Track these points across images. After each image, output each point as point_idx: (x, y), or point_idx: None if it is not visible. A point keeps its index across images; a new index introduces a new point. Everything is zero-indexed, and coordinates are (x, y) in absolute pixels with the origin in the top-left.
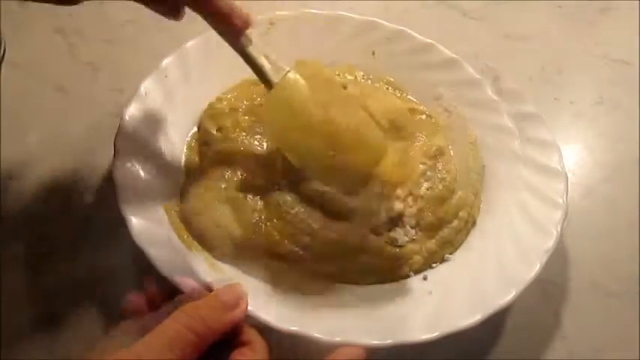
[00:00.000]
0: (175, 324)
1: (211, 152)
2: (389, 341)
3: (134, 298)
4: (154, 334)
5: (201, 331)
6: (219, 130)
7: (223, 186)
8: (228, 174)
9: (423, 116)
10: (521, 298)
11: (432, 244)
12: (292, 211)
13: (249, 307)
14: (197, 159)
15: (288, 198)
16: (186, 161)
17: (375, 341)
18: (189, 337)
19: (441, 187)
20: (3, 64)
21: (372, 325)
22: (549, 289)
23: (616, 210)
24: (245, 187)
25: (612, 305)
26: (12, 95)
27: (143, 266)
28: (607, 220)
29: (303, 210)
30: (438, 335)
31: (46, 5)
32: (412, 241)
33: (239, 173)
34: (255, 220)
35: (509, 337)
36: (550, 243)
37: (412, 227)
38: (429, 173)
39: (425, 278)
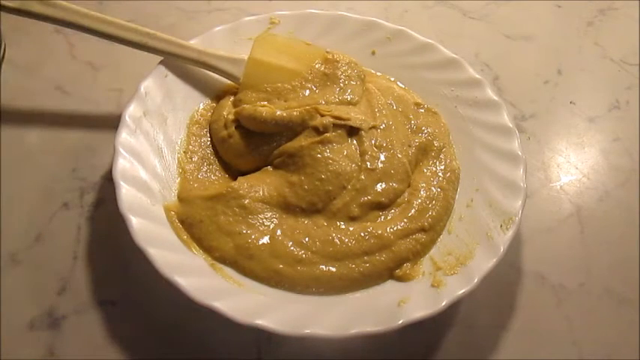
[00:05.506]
0: None
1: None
2: (400, 322)
3: None
4: None
5: None
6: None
7: (221, 187)
8: (222, 174)
9: (429, 113)
10: (532, 301)
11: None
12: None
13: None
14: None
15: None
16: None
17: (384, 326)
18: None
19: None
20: (3, 64)
21: (376, 313)
22: (561, 294)
23: (631, 215)
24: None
25: (625, 311)
26: (12, 95)
27: (142, 266)
28: (622, 225)
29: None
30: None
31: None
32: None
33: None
34: (254, 222)
35: (520, 340)
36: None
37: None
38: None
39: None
